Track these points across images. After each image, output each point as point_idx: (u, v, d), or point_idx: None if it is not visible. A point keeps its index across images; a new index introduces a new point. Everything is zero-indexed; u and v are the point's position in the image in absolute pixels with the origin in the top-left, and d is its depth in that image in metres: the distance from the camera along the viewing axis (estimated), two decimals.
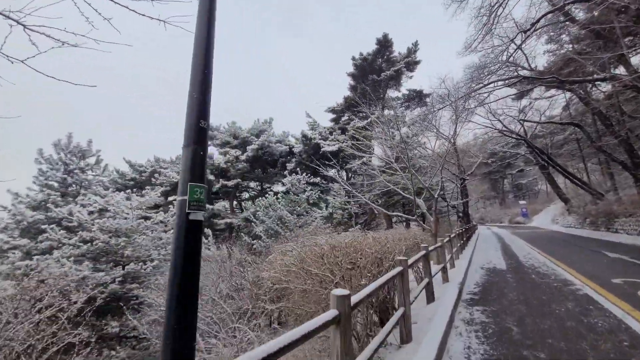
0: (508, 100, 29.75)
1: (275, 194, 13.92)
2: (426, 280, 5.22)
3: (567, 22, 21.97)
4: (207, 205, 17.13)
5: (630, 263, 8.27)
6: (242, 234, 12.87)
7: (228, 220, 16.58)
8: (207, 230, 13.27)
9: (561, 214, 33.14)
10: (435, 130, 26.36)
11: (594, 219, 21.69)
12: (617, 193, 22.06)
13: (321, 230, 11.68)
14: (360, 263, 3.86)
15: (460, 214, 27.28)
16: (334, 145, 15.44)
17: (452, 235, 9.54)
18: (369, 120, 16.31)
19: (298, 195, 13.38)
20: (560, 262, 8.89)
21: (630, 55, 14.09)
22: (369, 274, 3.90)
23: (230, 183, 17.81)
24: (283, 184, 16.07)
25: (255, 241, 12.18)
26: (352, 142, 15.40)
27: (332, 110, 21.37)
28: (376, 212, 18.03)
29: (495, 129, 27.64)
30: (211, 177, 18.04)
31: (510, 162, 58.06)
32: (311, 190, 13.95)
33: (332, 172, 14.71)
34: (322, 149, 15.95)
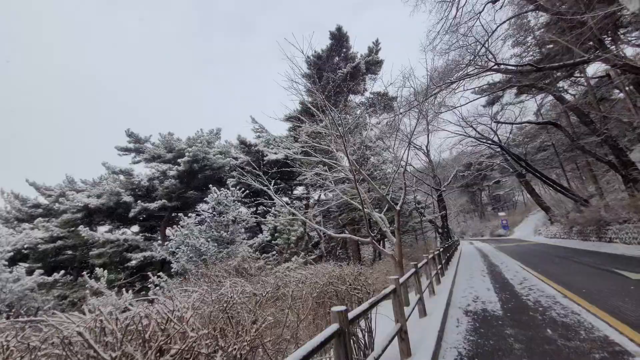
0: (480, 108, 28.79)
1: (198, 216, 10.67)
2: None
3: (532, 22, 21.02)
4: (115, 235, 13.36)
5: None
6: (150, 273, 9.36)
7: (147, 254, 12.79)
8: (99, 270, 9.67)
9: (543, 224, 31.51)
10: (401, 137, 24.37)
11: (582, 227, 19.77)
12: (603, 198, 20.39)
13: (250, 263, 8.47)
14: None
15: (440, 230, 24.77)
16: (280, 153, 12.57)
17: (422, 264, 6.63)
18: (323, 123, 13.72)
19: (223, 216, 10.23)
20: (575, 295, 6.11)
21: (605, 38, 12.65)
22: None
23: (154, 205, 14.25)
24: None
25: (160, 282, 8.75)
26: (304, 148, 12.58)
27: (288, 118, 18.73)
28: (336, 236, 15.05)
29: (469, 136, 26.07)
30: (127, 199, 14.33)
31: (486, 174, 57.73)
32: (238, 208, 10.80)
33: (270, 186, 11.76)
34: (265, 158, 13.05)
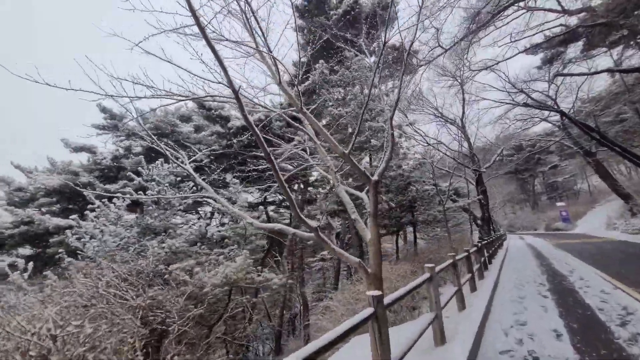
0: (532, 71, 22.88)
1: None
2: None
3: None
4: (66, 221, 11.45)
5: None
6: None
7: None
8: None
9: (620, 216, 24.80)
10: (430, 108, 19.92)
11: None
12: None
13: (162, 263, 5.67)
14: None
15: (479, 222, 20.11)
16: (255, 114, 9.39)
17: (396, 297, 3.19)
18: (310, 81, 10.56)
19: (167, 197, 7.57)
20: None
21: None
22: None
23: (115, 187, 12.22)
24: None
25: None
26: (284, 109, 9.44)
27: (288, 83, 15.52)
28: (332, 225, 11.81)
29: (519, 105, 20.59)
30: (85, 179, 12.37)
31: (540, 158, 49.23)
32: (178, 187, 8.08)
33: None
34: (229, 124, 10.22)
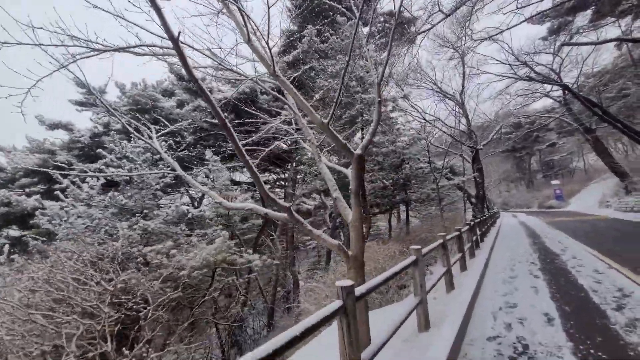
0: (537, 43, 21.74)
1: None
2: None
3: None
4: (47, 202, 11.09)
5: None
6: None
7: None
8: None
9: (614, 194, 24.78)
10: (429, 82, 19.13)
11: None
12: None
13: (138, 247, 5.34)
14: None
15: (473, 200, 19.95)
16: (229, 92, 8.63)
17: (403, 266, 2.86)
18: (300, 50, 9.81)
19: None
20: None
21: None
22: None
23: (94, 166, 11.72)
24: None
25: None
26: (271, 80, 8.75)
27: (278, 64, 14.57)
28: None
29: (521, 78, 19.70)
30: (62, 158, 11.83)
31: (539, 135, 48.59)
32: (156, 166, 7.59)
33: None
34: (218, 96, 9.55)
